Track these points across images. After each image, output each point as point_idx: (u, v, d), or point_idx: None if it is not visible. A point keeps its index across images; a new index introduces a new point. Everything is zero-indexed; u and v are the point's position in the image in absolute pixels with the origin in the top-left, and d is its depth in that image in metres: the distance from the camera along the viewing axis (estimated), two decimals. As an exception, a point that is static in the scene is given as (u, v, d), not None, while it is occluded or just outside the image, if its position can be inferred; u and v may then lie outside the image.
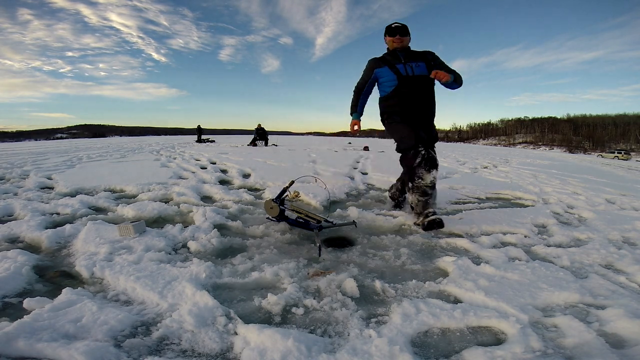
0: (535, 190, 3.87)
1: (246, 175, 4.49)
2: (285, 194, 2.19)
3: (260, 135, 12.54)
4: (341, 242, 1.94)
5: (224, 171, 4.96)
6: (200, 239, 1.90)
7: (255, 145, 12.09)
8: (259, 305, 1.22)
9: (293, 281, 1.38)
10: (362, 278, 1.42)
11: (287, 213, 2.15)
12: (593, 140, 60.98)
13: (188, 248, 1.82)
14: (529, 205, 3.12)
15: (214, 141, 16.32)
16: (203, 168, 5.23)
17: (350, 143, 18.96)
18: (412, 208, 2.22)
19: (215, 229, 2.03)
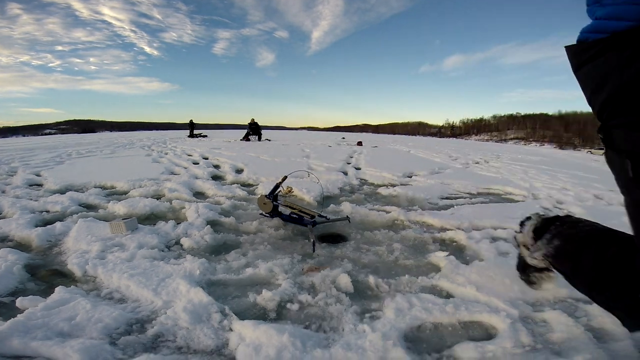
0: (525, 186, 3.94)
1: (239, 171, 4.46)
2: (279, 190, 2.18)
3: (254, 129, 12.41)
4: (335, 238, 1.96)
5: (216, 166, 4.92)
6: (194, 236, 1.88)
7: (248, 140, 11.97)
8: (253, 301, 1.22)
9: (287, 277, 1.38)
10: (356, 273, 1.44)
11: (281, 209, 2.14)
12: (583, 136, 62.17)
13: (181, 245, 1.81)
14: (519, 201, 3.18)
15: (206, 136, 16.06)
16: (195, 163, 5.18)
17: (344, 138, 18.91)
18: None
19: (209, 226, 2.01)
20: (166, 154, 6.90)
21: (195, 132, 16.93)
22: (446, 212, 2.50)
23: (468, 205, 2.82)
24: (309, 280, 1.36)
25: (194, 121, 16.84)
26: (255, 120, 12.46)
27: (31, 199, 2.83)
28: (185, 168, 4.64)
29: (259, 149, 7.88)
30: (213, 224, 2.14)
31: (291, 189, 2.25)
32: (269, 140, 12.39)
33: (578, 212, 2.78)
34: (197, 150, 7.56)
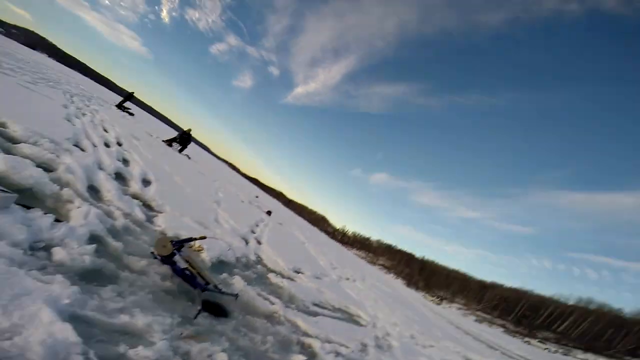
0: (372, 313, 4.91)
1: (146, 182, 4.02)
2: (191, 244, 2.20)
3: (182, 140, 11.39)
4: (219, 310, 2.04)
5: (125, 162, 4.30)
6: (71, 248, 1.66)
7: (170, 145, 10.78)
8: (124, 352, 1.21)
9: (165, 337, 1.41)
10: (231, 353, 1.58)
11: (177, 258, 2.11)
12: (427, 282, 78.49)
13: (51, 254, 1.56)
14: (363, 325, 3.96)
15: (133, 114, 13.82)
16: (107, 145, 4.43)
17: (257, 197, 18.96)
18: None
19: (94, 245, 1.78)
20: (84, 114, 5.64)
21: (126, 105, 14.57)
22: (313, 318, 2.93)
23: (330, 317, 3.36)
24: (186, 347, 1.43)
25: (133, 95, 14.62)
26: (190, 133, 11.60)
27: None
28: (95, 146, 3.92)
29: (175, 165, 7.20)
30: (97, 240, 1.92)
31: (203, 248, 2.28)
32: (189, 157, 11.43)
33: (395, 345, 3.67)
34: (116, 128, 6.40)
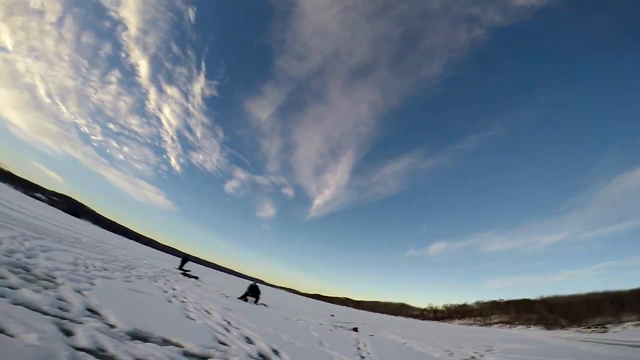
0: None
1: (276, 352, 4.11)
2: None
3: (253, 292, 12.45)
4: None
5: (249, 340, 4.38)
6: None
7: (246, 300, 11.83)
8: None
9: None
10: None
11: None
12: (569, 317, 59.57)
13: None
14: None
15: (197, 277, 13.83)
16: (227, 330, 4.65)
17: (333, 315, 17.99)
18: None
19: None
20: (183, 302, 5.97)
21: (185, 268, 15.01)
22: None
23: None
24: None
25: (188, 259, 15.68)
26: (257, 285, 12.71)
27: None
28: (224, 335, 4.18)
29: (270, 322, 7.20)
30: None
31: None
32: (266, 306, 12.14)
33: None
34: (210, 304, 6.51)
